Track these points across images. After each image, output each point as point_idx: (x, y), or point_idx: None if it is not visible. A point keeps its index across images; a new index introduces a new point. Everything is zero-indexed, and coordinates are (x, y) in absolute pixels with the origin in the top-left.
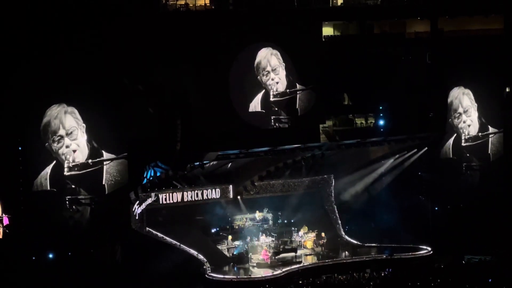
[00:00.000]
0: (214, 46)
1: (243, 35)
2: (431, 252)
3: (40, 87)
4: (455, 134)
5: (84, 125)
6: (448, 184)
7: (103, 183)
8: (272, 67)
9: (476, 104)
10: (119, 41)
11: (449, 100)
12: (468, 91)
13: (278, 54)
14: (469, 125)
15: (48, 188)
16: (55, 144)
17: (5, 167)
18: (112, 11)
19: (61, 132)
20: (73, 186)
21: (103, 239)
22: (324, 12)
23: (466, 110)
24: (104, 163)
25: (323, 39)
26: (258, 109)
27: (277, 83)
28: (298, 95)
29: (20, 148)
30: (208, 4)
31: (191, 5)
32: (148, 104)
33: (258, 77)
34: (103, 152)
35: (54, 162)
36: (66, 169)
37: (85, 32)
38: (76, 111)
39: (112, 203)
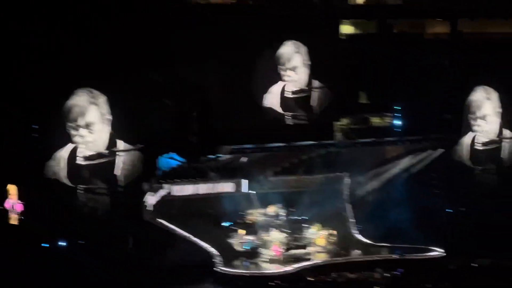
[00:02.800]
0: (235, 41)
1: (264, 30)
2: (444, 253)
3: (69, 67)
4: (472, 134)
5: (110, 117)
6: (462, 187)
7: (118, 173)
8: (294, 65)
9: (500, 110)
10: (145, 32)
11: (470, 100)
12: (493, 94)
13: (304, 51)
14: (485, 130)
15: (64, 174)
16: (73, 131)
17: (19, 148)
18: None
19: (80, 122)
20: (87, 176)
21: (116, 229)
22: (344, 10)
23: (484, 116)
24: (119, 153)
25: (342, 37)
26: (275, 101)
27: (295, 80)
28: (314, 92)
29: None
30: None
31: None
32: (165, 96)
33: (279, 67)
34: (119, 141)
35: (72, 145)
36: (80, 159)
37: (119, 21)
38: (103, 100)
39: (125, 193)
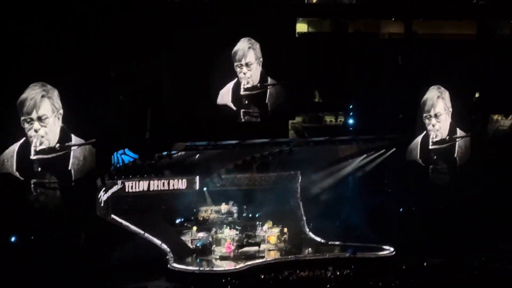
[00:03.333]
0: (189, 37)
1: (219, 27)
2: (394, 252)
3: (23, 62)
4: (424, 133)
5: (61, 112)
6: (414, 186)
7: (70, 168)
8: (248, 61)
9: (451, 109)
10: (99, 28)
11: (423, 98)
12: (446, 93)
13: (258, 47)
14: (437, 130)
15: (14, 168)
16: (26, 125)
17: None
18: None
19: (33, 115)
20: (39, 169)
21: (68, 225)
22: (299, 8)
23: (437, 115)
24: (72, 148)
25: (297, 35)
26: (229, 99)
27: (248, 77)
28: (269, 90)
29: None
30: None
31: None
32: (119, 92)
33: (235, 64)
34: (72, 136)
35: (24, 139)
36: (32, 153)
37: (72, 16)
38: (56, 94)
39: (78, 188)
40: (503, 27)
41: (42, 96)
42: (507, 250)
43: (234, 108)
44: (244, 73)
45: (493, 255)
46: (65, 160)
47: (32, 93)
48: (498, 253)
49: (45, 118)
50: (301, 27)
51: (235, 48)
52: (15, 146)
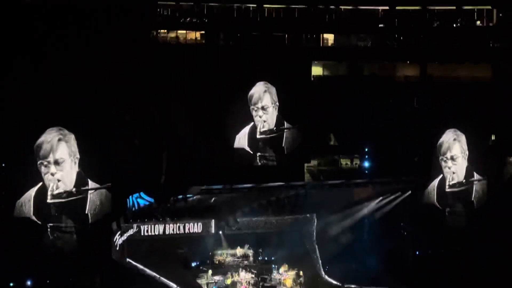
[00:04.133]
0: (205, 80)
1: (235, 71)
2: None
3: (41, 106)
4: (441, 176)
5: (78, 156)
6: (430, 229)
7: (87, 212)
8: (263, 105)
9: (467, 153)
10: (114, 71)
11: (440, 141)
12: (462, 137)
13: (274, 91)
14: (453, 172)
15: (32, 212)
16: (42, 168)
17: None
18: (107, 40)
19: (50, 158)
20: (56, 214)
21: (83, 268)
22: (315, 51)
23: (454, 157)
24: (89, 192)
25: (312, 79)
26: (245, 142)
27: (264, 121)
28: (285, 134)
29: (3, 165)
30: (199, 38)
31: (182, 38)
32: (134, 135)
33: (251, 107)
34: (89, 181)
35: (41, 183)
36: (49, 197)
37: (87, 60)
38: (73, 138)
39: (94, 232)
40: None
41: (59, 140)
42: None
43: (251, 152)
44: (260, 116)
45: None
46: (82, 204)
47: (49, 137)
48: None
49: (62, 162)
50: (317, 70)
51: (251, 92)
52: (32, 191)
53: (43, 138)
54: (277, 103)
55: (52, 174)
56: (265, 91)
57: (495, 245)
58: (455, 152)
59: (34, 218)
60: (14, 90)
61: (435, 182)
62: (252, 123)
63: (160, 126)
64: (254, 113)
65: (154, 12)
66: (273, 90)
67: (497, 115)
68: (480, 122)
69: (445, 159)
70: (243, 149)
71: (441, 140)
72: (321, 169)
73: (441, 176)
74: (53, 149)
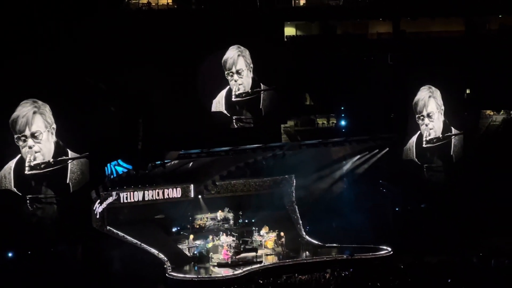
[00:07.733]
0: (179, 46)
1: (207, 35)
2: (391, 252)
3: (12, 80)
4: (418, 133)
5: (54, 126)
6: (409, 185)
7: (68, 181)
8: (238, 69)
9: (443, 108)
10: (86, 40)
11: (415, 99)
12: (437, 92)
13: (247, 54)
14: (431, 129)
15: (12, 184)
16: (20, 142)
17: None
18: (78, 7)
19: (26, 132)
20: (36, 185)
21: (65, 238)
22: (286, 12)
23: (430, 114)
24: (68, 161)
25: (286, 39)
26: (222, 106)
27: (240, 84)
28: (262, 96)
29: None
30: (171, 3)
31: (154, 4)
32: (110, 103)
33: (226, 72)
34: (68, 150)
35: (19, 156)
36: (27, 168)
37: (57, 30)
38: (48, 109)
39: (75, 201)
40: (490, 22)
41: (34, 113)
42: (503, 246)
43: (228, 115)
44: (236, 81)
45: (490, 251)
46: (63, 174)
47: (24, 110)
48: (495, 249)
49: (39, 134)
50: (290, 31)
51: (225, 57)
52: (12, 163)
53: (17, 112)
54: (252, 66)
55: (30, 147)
56: (238, 55)
57: (473, 198)
58: (431, 109)
59: (15, 190)
60: None
61: (414, 139)
62: (228, 87)
63: (136, 92)
64: (229, 78)
65: None
66: (247, 53)
67: (470, 68)
68: (454, 76)
69: (422, 117)
70: (221, 112)
71: (416, 98)
72: (298, 129)
73: (419, 132)
74: (29, 123)
